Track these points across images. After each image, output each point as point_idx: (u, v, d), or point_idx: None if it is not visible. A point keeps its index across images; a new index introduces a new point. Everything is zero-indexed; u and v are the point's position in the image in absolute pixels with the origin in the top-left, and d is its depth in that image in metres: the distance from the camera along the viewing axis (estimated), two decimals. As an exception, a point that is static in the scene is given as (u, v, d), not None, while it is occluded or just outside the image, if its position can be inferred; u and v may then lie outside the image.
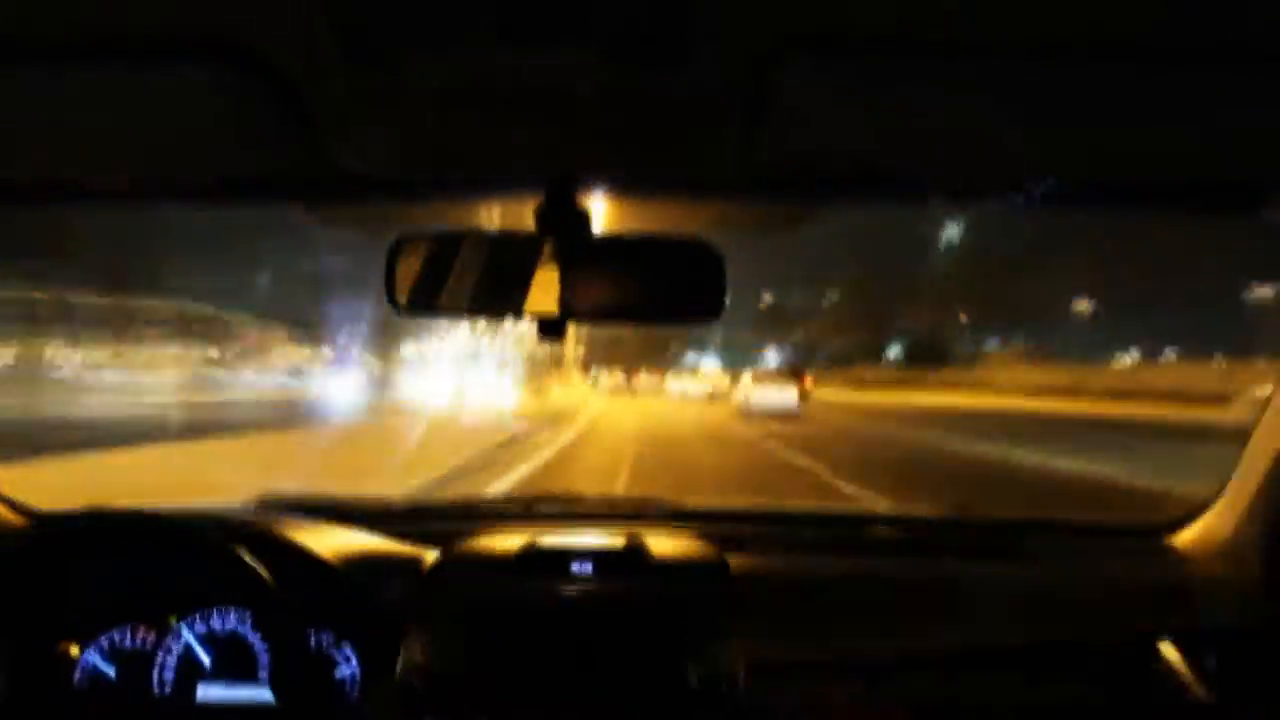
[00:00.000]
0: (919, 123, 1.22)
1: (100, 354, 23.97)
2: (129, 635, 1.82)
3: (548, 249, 1.48)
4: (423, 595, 1.72)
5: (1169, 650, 1.69)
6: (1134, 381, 35.08)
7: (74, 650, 1.80)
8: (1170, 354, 44.81)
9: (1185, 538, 2.03)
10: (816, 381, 44.73)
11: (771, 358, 73.16)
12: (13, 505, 2.03)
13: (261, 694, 1.75)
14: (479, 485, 10.62)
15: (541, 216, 1.46)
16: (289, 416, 20.52)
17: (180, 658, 1.80)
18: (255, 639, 1.79)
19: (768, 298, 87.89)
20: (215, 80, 1.08)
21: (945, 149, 1.34)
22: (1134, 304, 53.64)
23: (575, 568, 1.76)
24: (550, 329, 1.52)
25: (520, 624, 1.69)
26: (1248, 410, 2.10)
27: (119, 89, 1.12)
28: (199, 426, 15.95)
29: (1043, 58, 1.02)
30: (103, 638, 1.81)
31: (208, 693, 1.78)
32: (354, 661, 1.77)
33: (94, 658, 1.80)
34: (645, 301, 1.53)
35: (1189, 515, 2.05)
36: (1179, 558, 1.99)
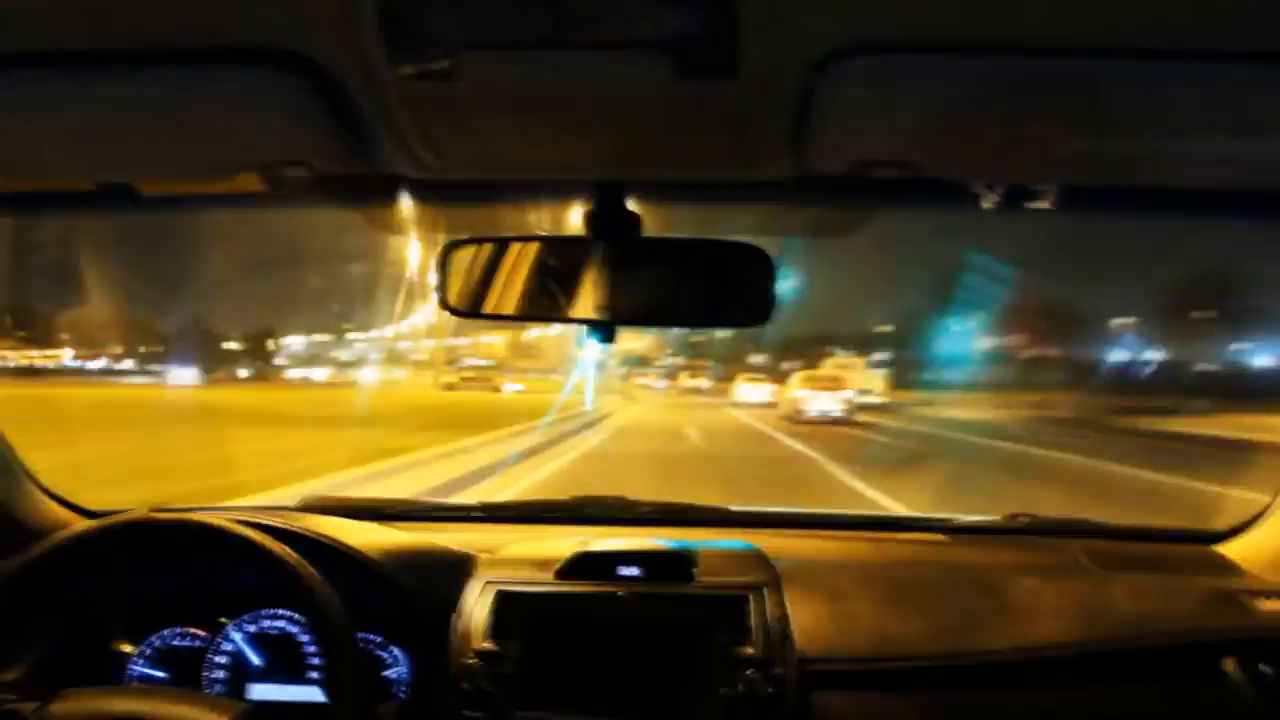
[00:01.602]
0: (969, 127, 1.20)
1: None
2: (180, 635, 1.84)
3: (598, 253, 1.48)
4: (471, 597, 1.73)
5: (1224, 659, 1.66)
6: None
7: (126, 649, 1.83)
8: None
9: (1237, 547, 2.00)
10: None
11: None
12: (67, 504, 2.07)
13: (311, 694, 1.77)
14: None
15: (592, 220, 1.47)
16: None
17: (231, 658, 1.82)
18: (305, 640, 1.81)
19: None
20: (267, 85, 1.09)
21: (997, 153, 1.33)
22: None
23: (623, 571, 1.76)
24: (600, 332, 1.52)
25: (568, 626, 1.70)
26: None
27: (172, 94, 1.13)
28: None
29: (1103, 60, 1.00)
30: (154, 637, 1.84)
31: (258, 692, 1.80)
32: (403, 662, 1.78)
33: (146, 657, 1.83)
34: (696, 305, 1.53)
35: (1241, 525, 2.02)
36: (1232, 567, 1.95)
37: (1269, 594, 1.79)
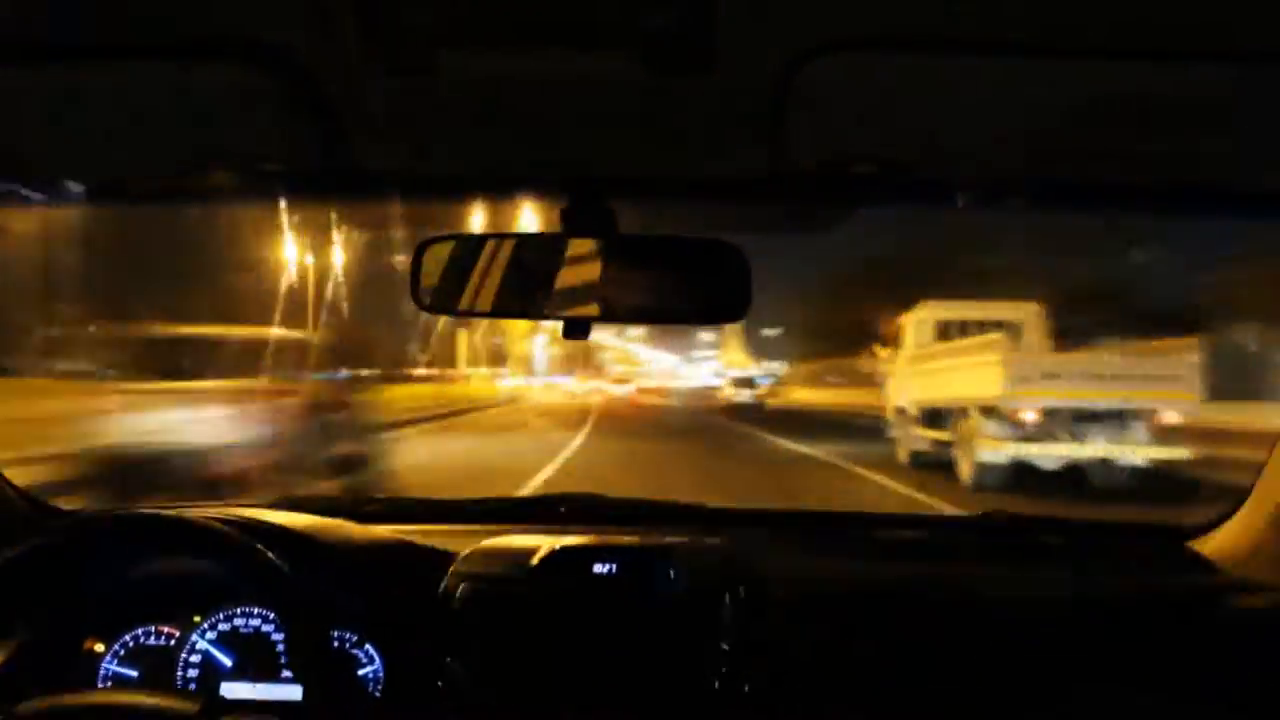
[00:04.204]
0: (945, 124, 1.21)
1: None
2: (152, 634, 1.83)
3: (573, 250, 1.48)
4: (445, 594, 1.72)
5: (1194, 654, 1.67)
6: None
7: (99, 648, 1.81)
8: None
9: (1211, 543, 2.01)
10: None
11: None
12: (36, 503, 2.05)
13: (285, 692, 1.76)
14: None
15: (568, 217, 1.46)
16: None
17: (203, 656, 1.81)
18: (278, 638, 1.79)
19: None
20: (245, 80, 1.09)
21: (973, 150, 1.33)
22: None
23: (598, 568, 1.76)
24: (575, 329, 1.52)
25: (543, 623, 1.69)
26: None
27: (150, 89, 1.12)
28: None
29: (1075, 58, 1.01)
30: (126, 636, 1.82)
31: (231, 691, 1.78)
32: (377, 660, 1.77)
33: (118, 656, 1.81)
34: (670, 302, 1.53)
35: (1214, 521, 2.04)
36: (1204, 562, 1.97)
37: (1241, 589, 1.80)
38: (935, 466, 14.01)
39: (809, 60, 1.02)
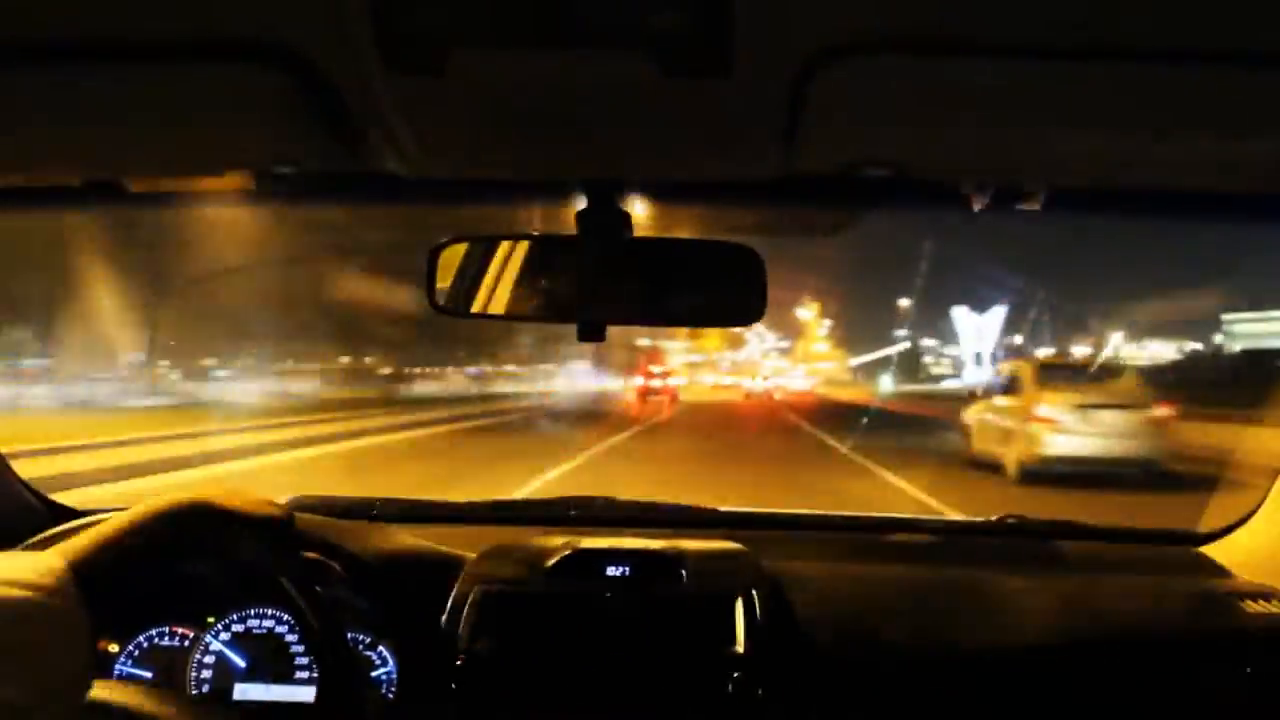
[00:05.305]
0: (959, 128, 1.21)
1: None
2: (166, 635, 1.83)
3: (588, 252, 1.48)
4: (459, 596, 1.73)
5: (1210, 660, 1.67)
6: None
7: (112, 648, 1.82)
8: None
9: (1223, 549, 2.01)
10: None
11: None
12: (51, 505, 2.06)
13: (299, 694, 1.76)
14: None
15: (583, 219, 1.46)
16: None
17: (217, 657, 1.81)
18: (293, 639, 1.80)
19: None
20: (257, 81, 1.08)
21: (987, 154, 1.33)
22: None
23: (611, 571, 1.76)
24: (589, 332, 1.52)
25: (556, 626, 1.69)
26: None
27: (160, 89, 1.12)
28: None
29: (1093, 61, 1.00)
30: (141, 637, 1.83)
31: (245, 692, 1.79)
32: (391, 662, 1.77)
33: (132, 656, 1.82)
34: (685, 304, 1.54)
35: (1226, 528, 2.03)
36: (1217, 569, 1.96)
37: (1254, 595, 1.79)
38: None
39: (825, 63, 1.02)
